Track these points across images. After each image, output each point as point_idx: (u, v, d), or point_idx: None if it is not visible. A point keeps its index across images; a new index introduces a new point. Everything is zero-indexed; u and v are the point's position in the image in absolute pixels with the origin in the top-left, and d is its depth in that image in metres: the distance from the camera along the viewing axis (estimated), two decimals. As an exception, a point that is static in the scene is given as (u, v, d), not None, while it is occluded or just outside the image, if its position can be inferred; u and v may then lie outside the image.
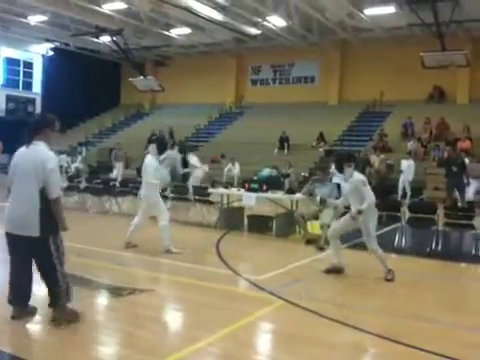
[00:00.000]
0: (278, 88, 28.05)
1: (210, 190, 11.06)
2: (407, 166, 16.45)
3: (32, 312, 4.65)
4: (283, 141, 22.70)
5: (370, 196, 6.55)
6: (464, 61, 18.04)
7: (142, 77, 24.96)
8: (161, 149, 7.88)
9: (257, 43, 25.79)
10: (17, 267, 4.51)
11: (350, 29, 23.24)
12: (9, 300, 4.54)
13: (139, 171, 20.30)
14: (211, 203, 11.06)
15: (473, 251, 8.39)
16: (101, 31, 23.47)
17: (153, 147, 7.79)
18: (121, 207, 12.25)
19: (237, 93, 29.35)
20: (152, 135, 24.97)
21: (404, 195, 16.19)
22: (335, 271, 6.83)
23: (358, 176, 6.68)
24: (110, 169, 19.28)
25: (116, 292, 5.58)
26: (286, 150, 22.49)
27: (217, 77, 28.64)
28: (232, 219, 10.28)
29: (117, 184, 13.01)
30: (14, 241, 4.45)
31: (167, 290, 6.07)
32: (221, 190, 10.92)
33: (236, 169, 20.13)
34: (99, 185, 12.75)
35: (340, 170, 6.82)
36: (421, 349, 4.29)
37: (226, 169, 20.43)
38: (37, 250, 4.44)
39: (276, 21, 21.95)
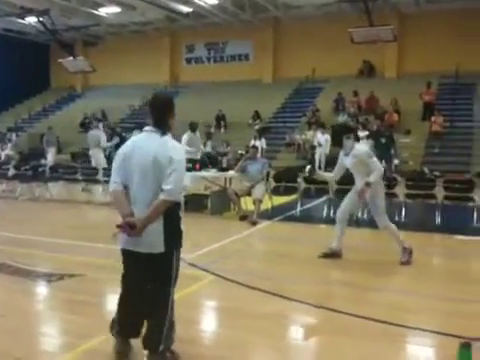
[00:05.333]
0: (213, 66, 27.90)
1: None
2: (324, 140, 16.88)
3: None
4: (219, 119, 22.72)
5: (378, 168, 5.99)
6: (391, 36, 18.57)
7: (72, 58, 24.15)
8: None
9: (190, 21, 25.51)
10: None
11: (281, 6, 23.37)
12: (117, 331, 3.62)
13: (73, 156, 20.04)
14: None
15: (396, 218, 8.81)
16: (27, 12, 22.47)
17: None
18: (52, 193, 11.94)
19: (172, 72, 28.97)
20: (85, 118, 24.40)
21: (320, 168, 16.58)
22: (332, 256, 6.39)
23: (362, 148, 6.16)
24: (42, 155, 18.67)
25: (45, 279, 5.49)
26: (223, 128, 22.53)
27: (151, 56, 28.12)
28: (167, 199, 10.23)
29: (47, 170, 12.65)
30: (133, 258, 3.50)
31: (99, 274, 5.98)
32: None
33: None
34: (28, 171, 12.36)
35: (339, 144, 6.19)
36: (345, 313, 4.50)
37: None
38: (157, 269, 3.44)
39: (207, -2, 21.76)
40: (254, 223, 8.56)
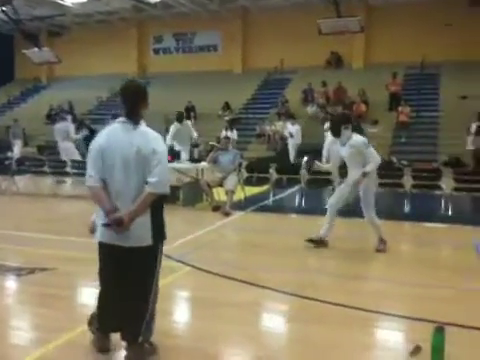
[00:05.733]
0: (181, 57, 27.65)
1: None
2: (295, 130, 17.03)
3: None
4: (189, 111, 22.52)
5: (376, 158, 6.02)
6: (358, 27, 18.68)
7: (37, 49, 23.57)
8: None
9: (158, 11, 25.20)
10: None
11: (249, -4, 23.33)
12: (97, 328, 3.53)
13: (40, 148, 19.62)
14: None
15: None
16: (-12, 2, 21.78)
17: None
18: (19, 186, 11.70)
19: (140, 63, 28.58)
20: (51, 109, 23.93)
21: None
22: (319, 243, 6.40)
23: (359, 138, 6.06)
24: (8, 148, 18.26)
25: (15, 272, 5.37)
26: (193, 120, 22.37)
27: (118, 47, 27.67)
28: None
29: (13, 163, 12.39)
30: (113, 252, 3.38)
31: (71, 267, 5.88)
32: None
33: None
34: (-7, 165, 12.08)
35: (337, 134, 6.08)
36: (319, 300, 4.54)
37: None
38: (142, 262, 3.38)
39: (175, -12, 21.52)
40: (227, 214, 8.56)
